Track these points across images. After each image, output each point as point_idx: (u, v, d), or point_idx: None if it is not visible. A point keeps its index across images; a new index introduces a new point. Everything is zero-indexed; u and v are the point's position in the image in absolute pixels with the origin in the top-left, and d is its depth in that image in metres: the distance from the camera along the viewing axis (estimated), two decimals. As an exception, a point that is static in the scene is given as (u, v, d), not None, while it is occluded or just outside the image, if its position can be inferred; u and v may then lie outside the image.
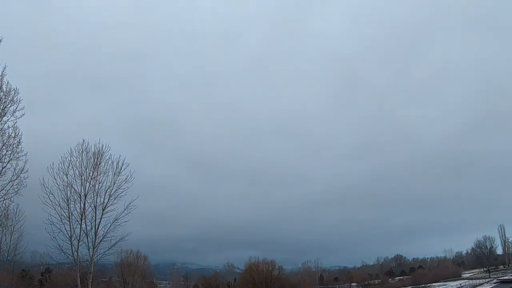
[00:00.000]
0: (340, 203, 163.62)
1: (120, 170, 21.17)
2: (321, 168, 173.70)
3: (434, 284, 79.92)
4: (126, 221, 20.55)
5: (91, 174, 20.73)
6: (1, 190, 16.31)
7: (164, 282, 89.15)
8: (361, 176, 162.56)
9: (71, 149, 20.72)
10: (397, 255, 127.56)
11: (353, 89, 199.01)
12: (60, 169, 20.10)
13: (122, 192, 20.91)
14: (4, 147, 16.15)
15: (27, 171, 16.70)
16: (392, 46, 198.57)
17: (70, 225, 19.79)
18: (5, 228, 30.68)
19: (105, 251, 20.55)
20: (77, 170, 20.50)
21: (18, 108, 16.17)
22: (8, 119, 16.12)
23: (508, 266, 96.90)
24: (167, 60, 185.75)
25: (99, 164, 21.02)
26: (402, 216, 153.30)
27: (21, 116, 16.31)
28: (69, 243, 19.66)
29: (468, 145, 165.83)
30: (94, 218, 20.50)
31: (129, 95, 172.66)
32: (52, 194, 19.50)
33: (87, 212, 20.40)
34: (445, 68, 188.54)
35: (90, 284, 20.59)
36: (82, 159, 20.76)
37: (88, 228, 20.29)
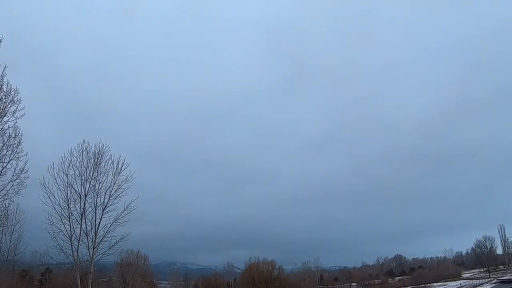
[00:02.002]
0: (321, 201, 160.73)
1: (120, 170, 21.19)
2: (284, 161, 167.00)
3: (434, 284, 79.95)
4: (126, 221, 20.59)
5: (91, 174, 20.74)
6: (1, 190, 16.32)
7: (164, 282, 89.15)
8: (338, 172, 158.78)
9: (71, 149, 20.79)
10: (397, 255, 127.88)
11: (304, 73, 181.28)
12: (60, 169, 20.17)
13: (122, 192, 20.94)
14: (4, 147, 16.16)
15: (27, 171, 16.72)
16: (345, 24, 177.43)
17: (70, 225, 19.82)
18: (5, 228, 30.72)
19: (105, 251, 20.58)
20: (77, 170, 20.54)
21: (19, 108, 16.21)
22: (9, 119, 16.14)
23: (508, 266, 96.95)
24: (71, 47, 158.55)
25: (99, 164, 21.03)
26: (393, 215, 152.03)
27: (21, 116, 16.34)
28: (69, 243, 19.67)
29: (448, 135, 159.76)
30: (94, 218, 20.52)
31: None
32: (52, 194, 19.56)
33: (87, 212, 20.43)
34: (411, 49, 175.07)
35: (90, 284, 20.59)
36: (82, 159, 20.78)
37: (88, 228, 20.32)
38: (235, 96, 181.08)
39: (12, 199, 17.04)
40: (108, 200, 20.79)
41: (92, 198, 20.64)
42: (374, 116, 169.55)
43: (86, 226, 20.24)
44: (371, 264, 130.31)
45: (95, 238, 20.25)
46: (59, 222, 19.47)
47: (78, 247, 19.84)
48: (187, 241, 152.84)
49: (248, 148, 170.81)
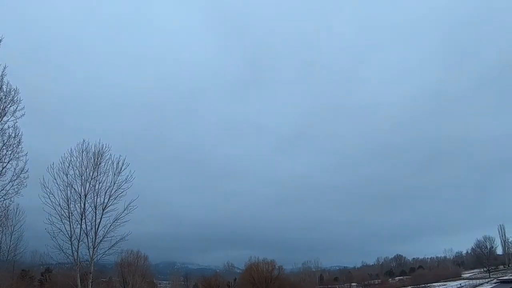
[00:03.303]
0: (318, 201, 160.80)
1: (120, 170, 21.13)
2: (259, 157, 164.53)
3: (434, 284, 79.97)
4: (126, 221, 20.57)
5: (91, 174, 20.69)
6: (1, 190, 16.31)
7: (164, 282, 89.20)
8: (327, 171, 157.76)
9: (71, 149, 20.72)
10: (397, 255, 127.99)
11: (266, 62, 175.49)
12: (60, 169, 20.11)
13: (122, 192, 20.88)
14: (4, 147, 16.14)
15: (27, 171, 16.70)
16: (306, 6, 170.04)
17: (70, 225, 19.76)
18: (5, 228, 30.71)
19: (105, 251, 20.54)
20: (77, 170, 20.47)
21: (18, 108, 16.17)
22: (8, 119, 16.10)
23: (508, 266, 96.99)
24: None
25: (99, 164, 20.98)
26: (393, 215, 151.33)
27: (21, 116, 16.31)
28: (69, 243, 19.62)
29: (429, 131, 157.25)
30: (94, 218, 20.48)
31: None
32: (52, 194, 19.52)
33: (87, 212, 20.37)
34: (382, 31, 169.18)
35: (90, 284, 20.57)
36: (82, 159, 20.72)
37: (88, 228, 20.27)
38: (190, 87, 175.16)
39: (12, 199, 17.03)
40: (108, 200, 20.75)
41: (92, 198, 20.61)
42: (349, 107, 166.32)
43: (86, 226, 20.21)
44: (371, 264, 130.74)
45: (95, 238, 20.22)
46: (59, 222, 19.44)
47: (78, 247, 19.80)
48: (187, 241, 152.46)
49: (217, 144, 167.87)
